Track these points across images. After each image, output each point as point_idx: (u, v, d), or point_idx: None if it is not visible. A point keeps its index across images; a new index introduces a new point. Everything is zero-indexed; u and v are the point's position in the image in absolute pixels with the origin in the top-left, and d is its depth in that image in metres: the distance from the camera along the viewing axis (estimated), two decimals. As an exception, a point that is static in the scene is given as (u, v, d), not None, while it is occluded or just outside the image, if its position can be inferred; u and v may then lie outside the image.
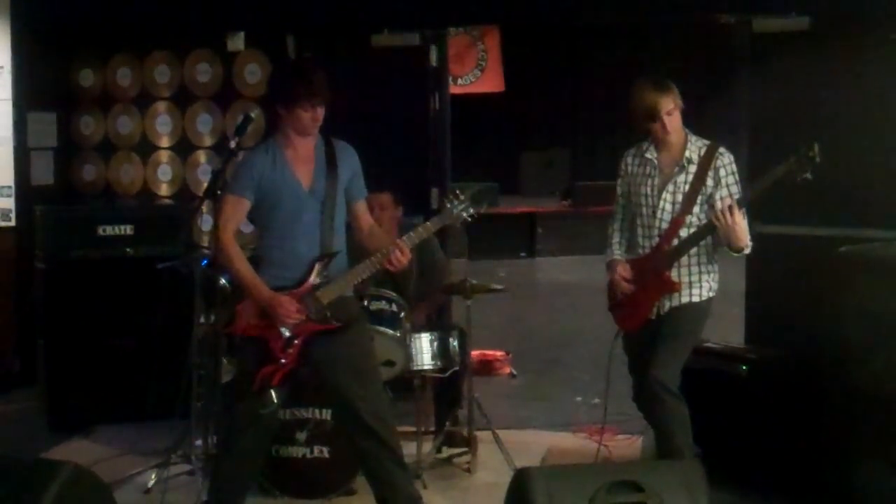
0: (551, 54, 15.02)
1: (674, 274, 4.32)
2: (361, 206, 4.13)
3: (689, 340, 4.37)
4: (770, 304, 5.63)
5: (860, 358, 4.02)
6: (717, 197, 4.25)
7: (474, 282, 5.08)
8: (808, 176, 4.01)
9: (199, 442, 5.03)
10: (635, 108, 4.31)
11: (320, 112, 3.89)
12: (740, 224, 4.07)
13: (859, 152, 5.22)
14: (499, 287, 5.50)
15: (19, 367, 6.65)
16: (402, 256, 3.88)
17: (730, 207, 4.07)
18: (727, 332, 5.58)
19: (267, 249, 4.00)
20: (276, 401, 3.90)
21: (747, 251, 4.18)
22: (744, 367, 4.75)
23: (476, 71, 14.75)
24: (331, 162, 3.98)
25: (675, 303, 4.34)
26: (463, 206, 3.94)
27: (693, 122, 4.41)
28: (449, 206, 3.96)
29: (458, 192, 3.99)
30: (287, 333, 3.90)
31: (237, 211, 3.95)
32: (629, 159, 4.53)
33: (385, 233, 4.26)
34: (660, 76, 4.34)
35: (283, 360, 3.90)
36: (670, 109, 4.26)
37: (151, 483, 4.84)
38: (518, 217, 13.29)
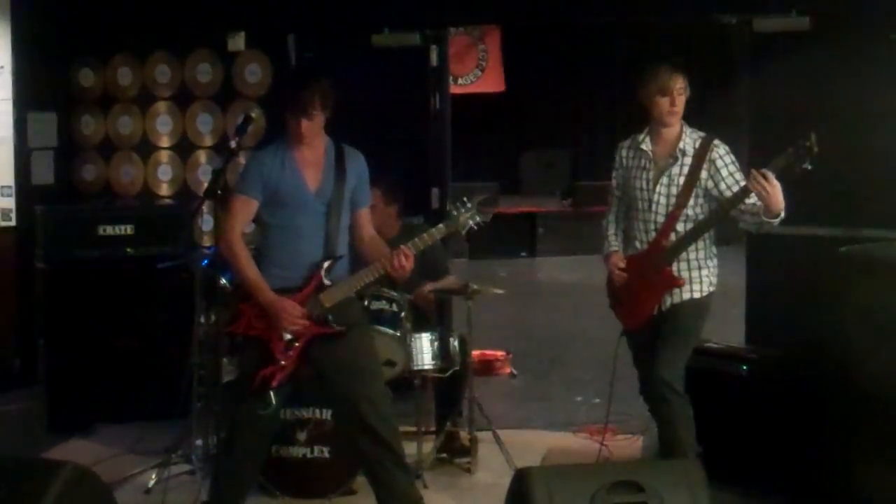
0: (551, 54, 15.00)
1: (674, 270, 4.32)
2: (364, 215, 4.13)
3: (691, 338, 4.38)
4: (770, 304, 5.63)
5: (860, 358, 4.01)
6: (723, 187, 4.24)
7: (474, 286, 5.07)
8: (808, 166, 3.99)
9: (199, 442, 5.04)
10: (648, 83, 4.33)
11: (307, 125, 3.87)
12: (777, 188, 3.99)
13: (859, 152, 5.22)
14: (498, 291, 5.49)
15: (19, 367, 6.65)
16: (406, 263, 3.88)
17: (763, 174, 3.99)
18: (727, 332, 5.57)
19: (270, 249, 4.00)
20: (275, 402, 3.91)
21: (783, 216, 4.09)
22: (744, 367, 4.75)
23: (476, 71, 14.75)
24: (339, 166, 3.98)
25: (676, 300, 4.34)
26: (469, 213, 3.93)
27: (693, 121, 4.42)
28: (455, 213, 3.95)
29: (465, 198, 3.97)
30: (288, 336, 3.90)
31: (245, 211, 3.95)
32: (624, 152, 4.54)
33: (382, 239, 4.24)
34: (676, 60, 4.37)
35: (283, 362, 3.90)
36: (681, 89, 4.30)
37: (152, 483, 4.84)
38: (518, 217, 13.28)
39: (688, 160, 4.31)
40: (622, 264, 4.45)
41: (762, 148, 5.65)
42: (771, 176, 4.00)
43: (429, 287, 5.35)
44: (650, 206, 4.36)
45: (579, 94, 15.99)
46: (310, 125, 3.88)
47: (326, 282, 3.93)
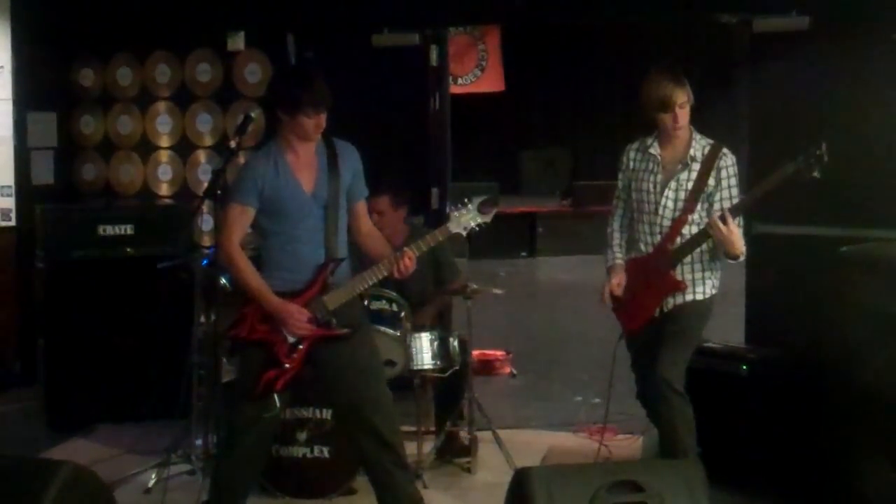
0: (551, 54, 15.01)
1: (677, 272, 4.32)
2: (361, 207, 4.12)
3: (693, 339, 4.37)
4: (770, 304, 5.63)
5: (860, 358, 4.01)
6: (717, 199, 4.25)
7: (474, 286, 5.07)
8: (817, 175, 4.01)
9: (199, 442, 5.03)
10: (648, 97, 4.28)
11: (323, 118, 3.87)
12: (735, 233, 4.09)
13: (859, 152, 5.21)
14: (498, 291, 5.50)
15: (19, 367, 6.66)
16: (409, 264, 3.88)
17: (722, 217, 4.08)
18: (727, 332, 5.57)
19: (271, 253, 3.98)
20: (278, 405, 3.89)
21: (742, 258, 4.22)
22: (744, 367, 4.75)
23: (476, 71, 14.75)
24: (332, 164, 3.96)
25: (679, 301, 4.34)
26: (470, 215, 3.93)
27: (693, 121, 4.41)
28: (456, 214, 3.94)
29: (465, 200, 3.97)
30: (292, 339, 3.89)
31: (242, 220, 3.92)
32: (631, 154, 4.51)
33: (384, 238, 4.23)
34: (676, 67, 4.34)
35: (287, 365, 3.88)
36: (683, 102, 4.25)
37: (151, 483, 4.84)
38: (518, 217, 13.27)
39: (696, 166, 4.30)
40: (619, 289, 4.42)
41: (762, 148, 5.67)
42: (730, 221, 4.06)
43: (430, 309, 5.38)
44: (656, 210, 4.35)
45: (579, 94, 15.99)
46: (324, 118, 3.87)
47: (330, 284, 3.92)
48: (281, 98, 3.89)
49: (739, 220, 4.18)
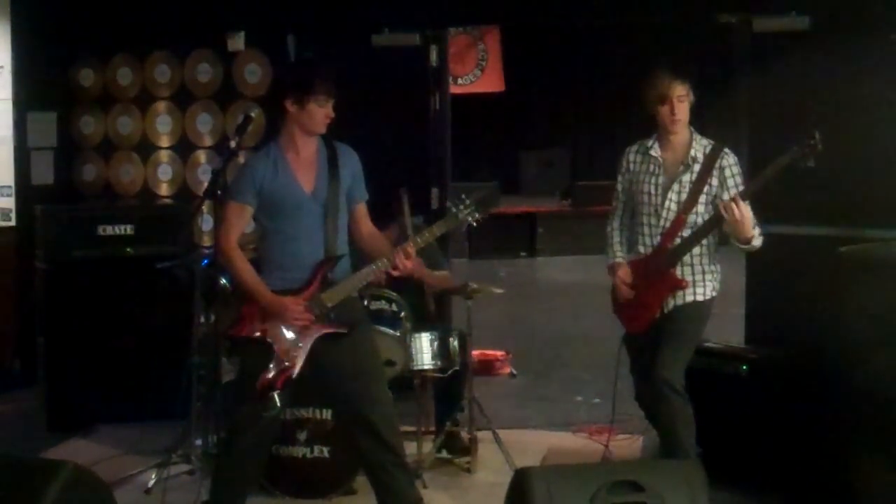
0: (551, 54, 15.02)
1: (677, 273, 4.32)
2: (362, 210, 4.12)
3: (692, 340, 4.38)
4: (770, 304, 5.63)
5: (860, 358, 4.01)
6: (725, 198, 4.24)
7: (474, 284, 5.07)
8: (811, 164, 4.01)
9: (199, 442, 5.04)
10: (648, 91, 4.31)
11: (331, 109, 3.88)
12: (747, 216, 4.08)
13: (859, 152, 5.22)
14: (498, 290, 5.50)
15: (19, 367, 6.66)
16: (407, 261, 3.88)
17: (734, 200, 4.07)
18: (727, 332, 5.57)
19: (270, 252, 3.98)
20: (279, 404, 3.89)
21: (756, 243, 4.17)
22: (744, 367, 4.75)
23: (476, 71, 14.76)
24: (332, 165, 3.97)
25: (679, 301, 4.34)
26: (468, 210, 3.93)
27: (693, 121, 4.42)
28: (454, 209, 3.95)
29: (462, 195, 3.97)
30: (291, 337, 3.89)
31: (240, 218, 3.93)
32: (631, 156, 4.51)
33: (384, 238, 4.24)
34: (677, 63, 4.36)
35: (287, 364, 3.89)
36: (681, 96, 4.27)
37: (151, 483, 4.84)
38: (518, 217, 13.28)
39: (697, 167, 4.31)
40: (629, 279, 4.43)
41: (762, 148, 5.67)
42: (742, 204, 4.05)
43: (428, 280, 5.37)
44: (657, 212, 4.35)
45: (579, 94, 16.00)
46: (329, 112, 3.87)
47: (328, 281, 3.93)
48: (292, 85, 3.89)
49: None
